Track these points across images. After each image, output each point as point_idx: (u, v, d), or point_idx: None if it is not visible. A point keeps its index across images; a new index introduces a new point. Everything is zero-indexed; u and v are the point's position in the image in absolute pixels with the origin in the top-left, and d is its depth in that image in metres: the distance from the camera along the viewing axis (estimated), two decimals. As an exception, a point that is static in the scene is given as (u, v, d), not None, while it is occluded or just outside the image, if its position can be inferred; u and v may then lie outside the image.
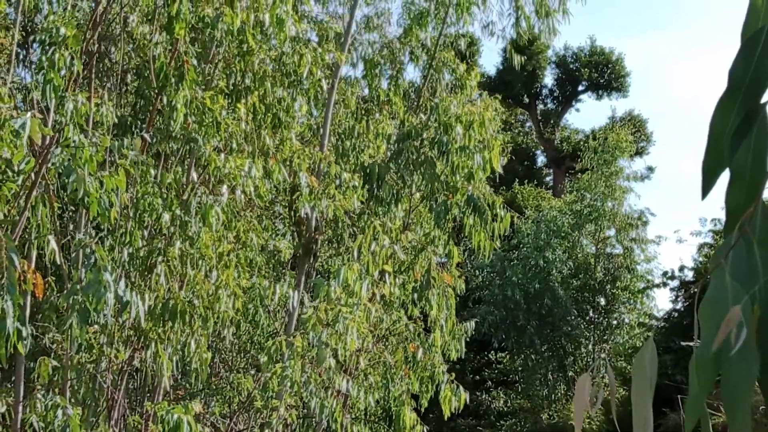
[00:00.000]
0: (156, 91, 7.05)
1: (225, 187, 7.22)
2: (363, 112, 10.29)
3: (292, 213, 9.20)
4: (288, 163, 8.20)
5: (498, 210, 9.17)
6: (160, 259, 6.64)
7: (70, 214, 7.66)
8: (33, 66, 7.78)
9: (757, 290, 1.20)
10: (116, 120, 6.70)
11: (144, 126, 7.41)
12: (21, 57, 7.95)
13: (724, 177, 1.40)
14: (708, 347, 1.23)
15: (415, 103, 10.64)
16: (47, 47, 5.80)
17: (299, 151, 8.37)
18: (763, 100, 1.37)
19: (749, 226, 1.27)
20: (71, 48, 5.87)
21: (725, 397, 1.20)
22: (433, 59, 10.74)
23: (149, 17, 7.51)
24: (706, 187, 1.43)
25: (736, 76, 1.38)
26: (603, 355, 19.18)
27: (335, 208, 8.50)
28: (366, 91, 11.32)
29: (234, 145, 7.47)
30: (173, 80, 6.82)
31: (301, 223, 9.29)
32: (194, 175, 7.28)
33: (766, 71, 1.36)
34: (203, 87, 7.43)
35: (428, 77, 10.68)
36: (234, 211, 7.45)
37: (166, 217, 6.71)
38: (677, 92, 66.33)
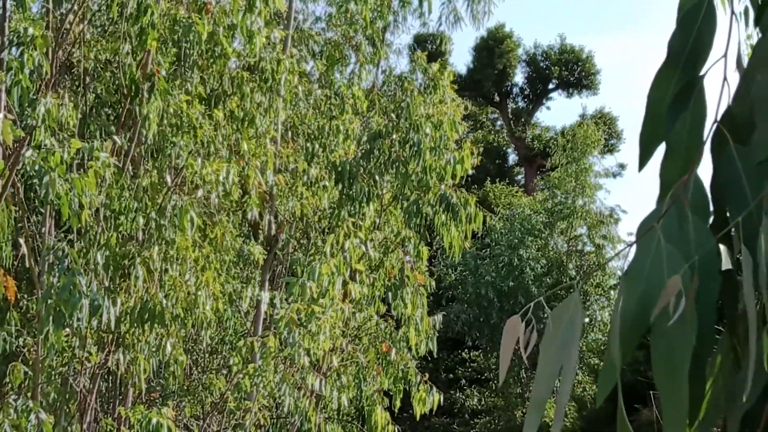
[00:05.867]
0: (128, 98, 7.00)
1: (200, 191, 7.18)
2: (327, 108, 10.14)
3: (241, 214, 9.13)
4: (261, 167, 8.17)
5: (471, 209, 9.19)
6: (138, 260, 6.60)
7: (38, 217, 7.58)
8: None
9: (697, 259, 1.17)
10: (77, 121, 6.63)
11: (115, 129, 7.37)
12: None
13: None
14: (629, 314, 1.21)
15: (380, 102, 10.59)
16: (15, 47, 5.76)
17: (271, 153, 8.36)
18: (701, 72, 1.37)
19: (683, 193, 1.25)
20: (40, 49, 5.83)
21: (659, 369, 1.17)
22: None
23: (117, 25, 7.42)
24: (643, 159, 1.42)
25: (675, 48, 1.37)
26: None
27: (302, 206, 8.46)
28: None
29: (212, 149, 7.44)
30: (144, 91, 6.79)
31: (256, 225, 9.25)
32: (168, 179, 7.24)
33: (706, 43, 1.36)
34: (179, 91, 7.38)
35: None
36: (209, 213, 7.42)
37: (141, 220, 6.67)
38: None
